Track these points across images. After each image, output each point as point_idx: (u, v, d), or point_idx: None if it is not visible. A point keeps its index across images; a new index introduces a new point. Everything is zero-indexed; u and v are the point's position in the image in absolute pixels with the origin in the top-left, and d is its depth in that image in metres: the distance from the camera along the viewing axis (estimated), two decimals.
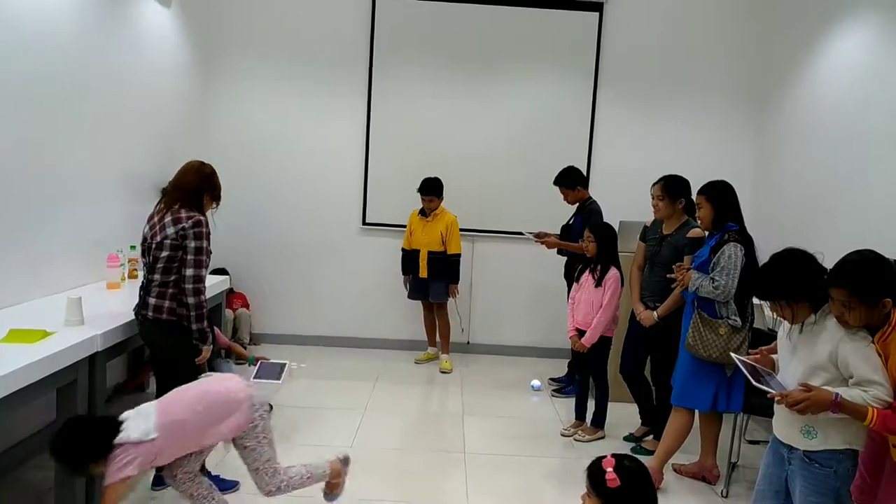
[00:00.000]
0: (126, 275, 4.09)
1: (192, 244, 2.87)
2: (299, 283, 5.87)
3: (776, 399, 2.17)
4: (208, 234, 2.96)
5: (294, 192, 5.83)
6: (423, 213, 5.39)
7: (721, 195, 3.34)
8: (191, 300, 2.88)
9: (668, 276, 3.50)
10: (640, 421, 4.11)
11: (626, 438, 4.08)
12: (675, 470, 3.65)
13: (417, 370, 5.44)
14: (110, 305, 3.36)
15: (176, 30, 5.00)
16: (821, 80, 4.83)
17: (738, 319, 3.23)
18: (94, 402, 2.80)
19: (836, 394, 2.05)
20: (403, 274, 5.53)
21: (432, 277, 5.33)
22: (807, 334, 2.19)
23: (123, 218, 4.25)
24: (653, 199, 3.78)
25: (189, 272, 2.87)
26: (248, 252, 5.77)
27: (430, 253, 5.30)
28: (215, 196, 3.09)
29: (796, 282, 2.15)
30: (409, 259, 5.44)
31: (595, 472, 1.91)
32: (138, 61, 4.43)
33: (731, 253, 3.19)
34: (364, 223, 5.85)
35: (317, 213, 5.84)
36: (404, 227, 5.53)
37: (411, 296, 5.51)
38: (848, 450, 2.15)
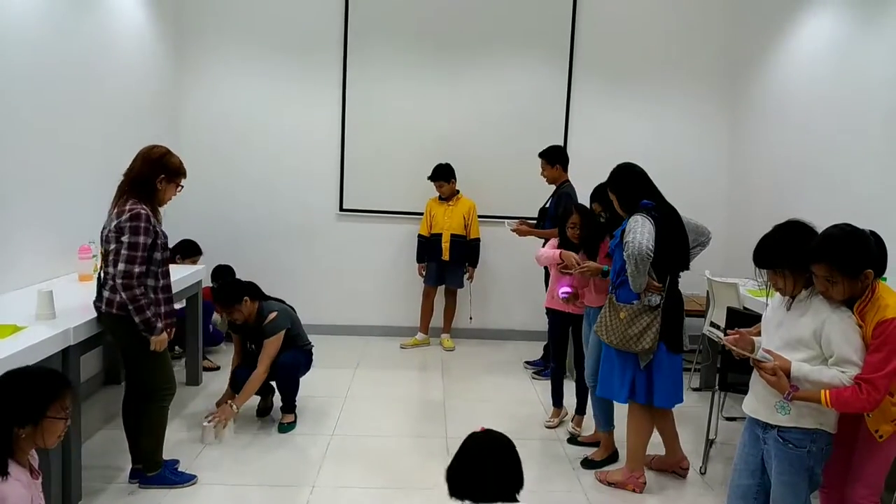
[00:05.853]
0: (98, 266, 4.00)
1: (125, 238, 2.76)
2: (276, 269, 5.79)
3: (757, 364, 2.16)
4: (147, 228, 2.79)
5: (270, 178, 5.76)
6: (441, 197, 5.46)
7: (619, 181, 3.18)
8: (124, 295, 2.77)
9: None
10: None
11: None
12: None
13: (397, 356, 5.43)
14: (83, 298, 3.29)
15: (146, 17, 4.88)
16: (791, 62, 4.87)
17: (649, 301, 3.01)
18: None
19: (789, 392, 2.08)
20: (419, 262, 5.54)
21: (453, 261, 5.40)
22: (795, 309, 2.20)
23: (94, 208, 4.13)
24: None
25: (120, 267, 2.75)
26: (224, 239, 5.67)
27: (452, 236, 5.37)
28: (173, 177, 2.92)
29: (801, 251, 2.13)
30: (428, 245, 5.46)
31: None
32: (107, 50, 4.32)
33: (635, 219, 2.99)
34: (342, 209, 5.80)
35: (293, 199, 5.77)
36: (383, 212, 5.49)
37: (429, 282, 5.54)
38: (820, 430, 2.17)
